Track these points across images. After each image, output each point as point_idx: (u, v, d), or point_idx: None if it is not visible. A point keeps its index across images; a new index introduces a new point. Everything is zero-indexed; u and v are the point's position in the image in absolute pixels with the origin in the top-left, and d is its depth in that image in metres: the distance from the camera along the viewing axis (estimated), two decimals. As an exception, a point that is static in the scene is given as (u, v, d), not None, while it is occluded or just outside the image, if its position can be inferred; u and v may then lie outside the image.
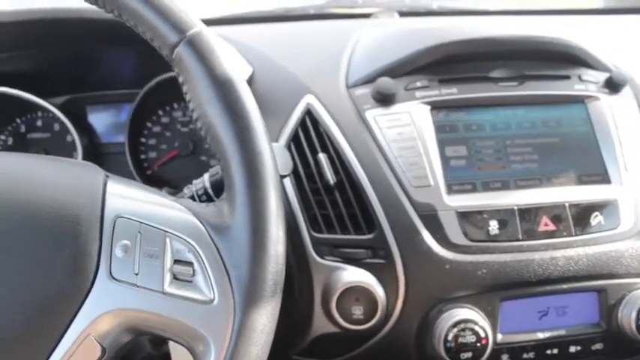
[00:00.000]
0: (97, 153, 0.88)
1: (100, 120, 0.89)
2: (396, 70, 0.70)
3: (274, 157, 0.44)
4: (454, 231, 0.63)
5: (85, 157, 0.85)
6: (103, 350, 0.40)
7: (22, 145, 0.89)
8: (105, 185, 0.45)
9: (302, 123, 0.68)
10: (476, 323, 0.61)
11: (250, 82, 0.80)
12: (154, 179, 0.87)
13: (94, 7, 0.78)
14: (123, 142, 0.88)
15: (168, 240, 0.42)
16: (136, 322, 0.41)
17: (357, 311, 0.62)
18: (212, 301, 0.41)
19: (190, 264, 0.42)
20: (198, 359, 0.41)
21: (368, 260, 0.63)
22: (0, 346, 0.38)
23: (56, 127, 0.89)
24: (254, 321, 0.41)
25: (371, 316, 0.62)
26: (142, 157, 0.88)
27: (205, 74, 0.44)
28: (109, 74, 0.88)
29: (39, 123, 0.89)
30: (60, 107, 0.85)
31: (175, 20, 0.44)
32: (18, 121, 0.89)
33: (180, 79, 0.46)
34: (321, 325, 0.64)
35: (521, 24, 0.89)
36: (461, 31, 0.72)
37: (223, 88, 0.43)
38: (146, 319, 0.41)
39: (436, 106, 0.68)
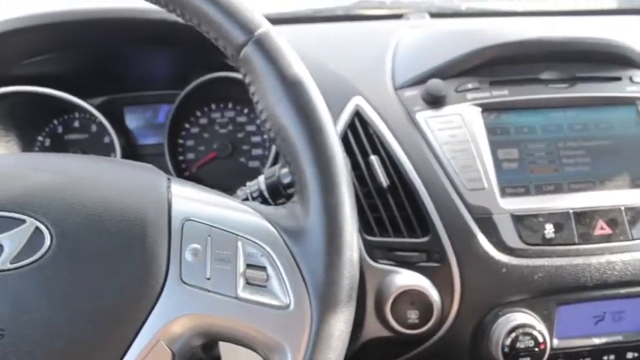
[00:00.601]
0: (134, 154, 0.88)
1: (137, 121, 0.89)
2: (445, 72, 0.69)
3: (346, 159, 0.44)
4: (510, 234, 0.62)
5: (123, 158, 0.84)
6: (173, 355, 0.39)
7: (59, 146, 0.88)
8: (169, 187, 0.44)
9: (351, 125, 0.68)
10: (533, 328, 0.60)
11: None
12: (192, 181, 0.87)
13: (135, 6, 0.78)
14: (160, 144, 0.87)
15: (240, 244, 0.41)
16: (207, 328, 0.40)
17: (413, 315, 0.61)
18: (288, 306, 0.40)
19: (264, 268, 0.41)
20: None
21: (422, 264, 0.62)
22: (70, 354, 0.37)
23: (93, 128, 0.89)
24: (331, 327, 0.40)
25: (426, 321, 0.61)
26: (180, 158, 0.87)
27: (275, 75, 0.43)
28: (146, 75, 0.88)
29: (76, 124, 0.89)
30: (97, 108, 0.84)
31: (242, 20, 0.43)
32: (55, 122, 0.89)
33: (247, 80, 0.45)
34: (373, 328, 0.63)
35: (569, 25, 0.89)
36: (510, 33, 0.71)
37: (294, 89, 0.43)
38: (218, 325, 0.40)
39: (487, 108, 0.68)
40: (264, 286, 0.41)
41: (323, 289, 0.41)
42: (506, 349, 0.60)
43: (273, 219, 0.43)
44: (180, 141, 0.87)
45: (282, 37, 0.45)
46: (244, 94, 0.84)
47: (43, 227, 0.39)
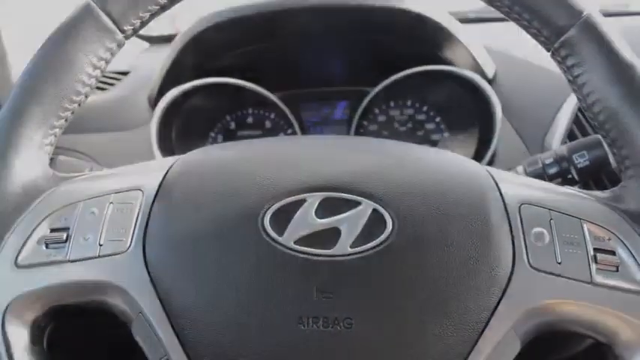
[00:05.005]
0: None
1: (314, 117, 0.89)
2: None
3: None
4: None
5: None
6: (521, 346, 0.38)
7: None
8: (487, 170, 0.43)
9: (577, 120, 0.67)
10: None
11: (494, 79, 0.79)
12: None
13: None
14: (336, 140, 0.87)
15: (585, 227, 0.40)
16: (559, 316, 0.38)
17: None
18: None
19: (613, 252, 0.40)
20: (627, 350, 0.39)
21: None
22: (420, 346, 0.36)
23: (267, 124, 0.88)
24: None
25: None
26: (359, 155, 0.86)
27: (610, 58, 0.42)
28: (323, 71, 0.88)
29: (249, 120, 0.89)
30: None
31: (568, 2, 0.43)
32: (228, 118, 0.89)
33: (570, 62, 0.43)
34: None
35: None
36: None
37: (631, 73, 0.42)
38: (574, 312, 0.38)
39: None
40: (616, 271, 0.40)
41: None
42: None
43: (609, 203, 0.43)
44: (359, 138, 0.86)
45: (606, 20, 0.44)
46: (424, 92, 0.85)
47: (382, 210, 0.39)
